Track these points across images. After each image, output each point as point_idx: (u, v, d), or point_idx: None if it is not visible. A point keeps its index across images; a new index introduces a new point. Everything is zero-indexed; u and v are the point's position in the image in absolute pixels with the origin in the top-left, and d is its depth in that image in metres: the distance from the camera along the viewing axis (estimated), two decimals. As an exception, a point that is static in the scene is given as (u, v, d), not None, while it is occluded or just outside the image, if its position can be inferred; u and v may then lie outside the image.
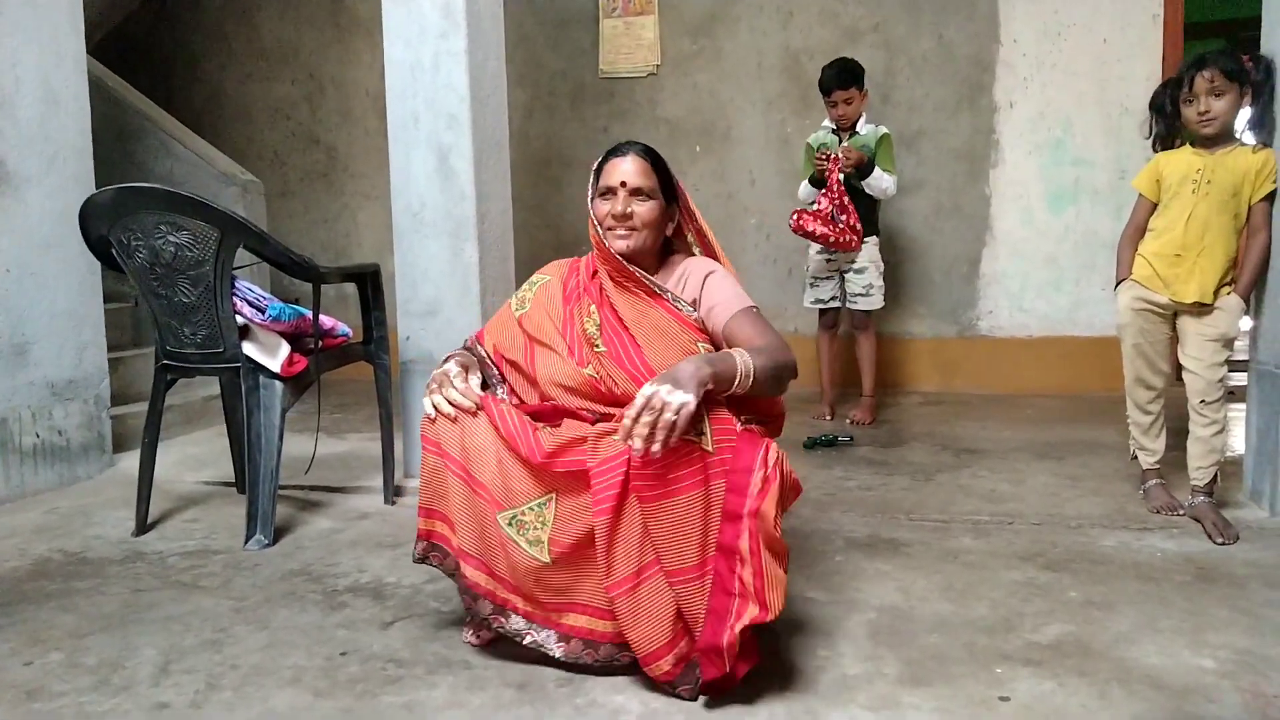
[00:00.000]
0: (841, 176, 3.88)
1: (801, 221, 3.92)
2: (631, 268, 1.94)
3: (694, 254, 2.10)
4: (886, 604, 2.08)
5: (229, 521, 2.78)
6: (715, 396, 1.70)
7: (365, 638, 1.95)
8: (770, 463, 1.63)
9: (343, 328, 2.89)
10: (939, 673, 1.75)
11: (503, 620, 1.78)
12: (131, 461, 3.25)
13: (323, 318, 2.78)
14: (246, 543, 2.57)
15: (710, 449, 1.64)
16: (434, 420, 1.83)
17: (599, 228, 1.97)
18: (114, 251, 2.62)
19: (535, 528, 1.73)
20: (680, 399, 1.59)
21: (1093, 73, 4.56)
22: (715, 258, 2.08)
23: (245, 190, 4.61)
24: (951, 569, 2.29)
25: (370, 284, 2.99)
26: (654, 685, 1.69)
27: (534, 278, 2.12)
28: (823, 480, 3.16)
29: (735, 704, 1.64)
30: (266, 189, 4.94)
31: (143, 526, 2.72)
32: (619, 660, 1.73)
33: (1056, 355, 4.70)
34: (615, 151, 2.00)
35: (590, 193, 2.02)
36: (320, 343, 2.76)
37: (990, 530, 2.59)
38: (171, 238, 2.50)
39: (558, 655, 1.75)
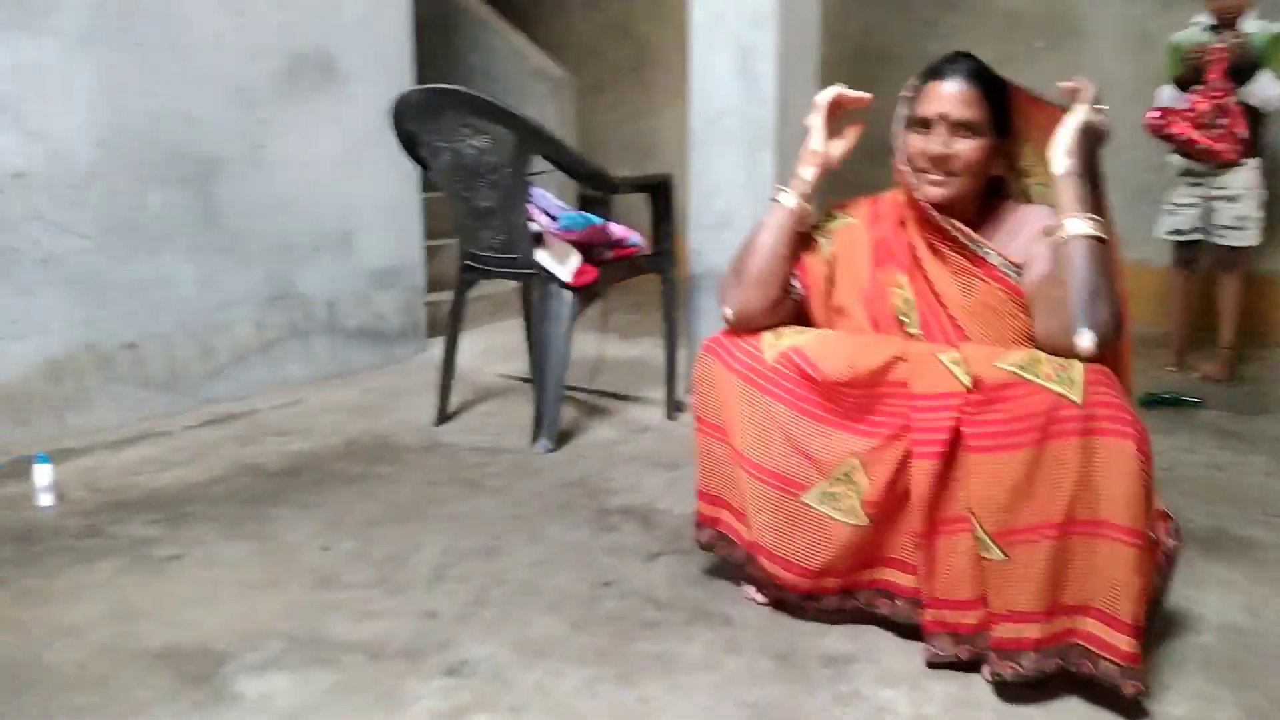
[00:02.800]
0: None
1: (1164, 120, 3.35)
2: (944, 220, 1.62)
3: (1030, 201, 1.73)
4: (1228, 624, 1.73)
5: (519, 420, 2.85)
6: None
7: (629, 569, 1.91)
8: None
9: (634, 237, 2.82)
10: (1295, 728, 1.42)
11: (815, 604, 1.68)
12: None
13: (616, 227, 2.73)
14: (533, 444, 2.63)
15: (1077, 399, 1.38)
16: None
17: (908, 167, 1.66)
18: (421, 152, 2.69)
19: (849, 496, 1.57)
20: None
21: None
22: None
23: (556, 86, 4.64)
24: (1321, 585, 1.87)
25: (662, 194, 2.90)
26: (929, 682, 1.50)
27: (835, 212, 1.83)
28: (1160, 449, 2.65)
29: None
30: (580, 83, 4.95)
31: (442, 417, 2.87)
32: (914, 618, 1.58)
33: None
34: (937, 72, 1.63)
35: (899, 120, 1.68)
36: (611, 252, 2.73)
37: (1379, 538, 2.10)
38: (472, 141, 2.52)
39: (857, 605, 1.67)
